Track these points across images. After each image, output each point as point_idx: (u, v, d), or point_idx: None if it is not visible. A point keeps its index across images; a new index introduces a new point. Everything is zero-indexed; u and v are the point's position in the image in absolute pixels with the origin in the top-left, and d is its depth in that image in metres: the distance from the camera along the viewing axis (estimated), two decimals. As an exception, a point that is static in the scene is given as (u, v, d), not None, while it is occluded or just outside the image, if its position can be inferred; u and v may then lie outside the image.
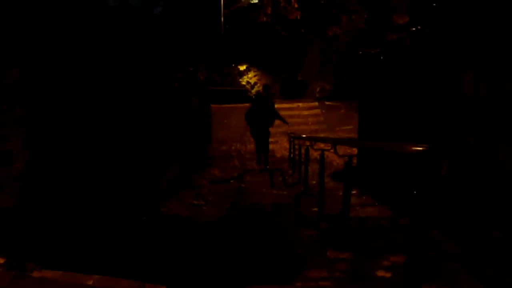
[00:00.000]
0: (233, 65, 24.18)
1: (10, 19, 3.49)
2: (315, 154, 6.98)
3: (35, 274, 2.98)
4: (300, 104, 19.39)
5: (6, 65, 3.44)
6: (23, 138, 3.49)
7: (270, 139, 11.03)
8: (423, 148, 2.20)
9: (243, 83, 23.98)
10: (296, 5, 19.96)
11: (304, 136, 8.60)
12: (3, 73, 3.41)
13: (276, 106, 10.76)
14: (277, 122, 10.77)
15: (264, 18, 20.97)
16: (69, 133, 4.10)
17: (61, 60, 4.05)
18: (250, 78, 24.12)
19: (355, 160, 7.44)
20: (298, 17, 20.26)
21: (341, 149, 5.20)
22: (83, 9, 4.52)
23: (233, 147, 13.52)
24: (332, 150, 5.05)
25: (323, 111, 18.63)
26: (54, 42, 3.93)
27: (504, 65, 3.97)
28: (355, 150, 8.15)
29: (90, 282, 2.94)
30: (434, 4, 5.99)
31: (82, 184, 4.30)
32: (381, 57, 7.13)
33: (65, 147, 4.04)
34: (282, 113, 9.54)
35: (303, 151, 7.65)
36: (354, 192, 6.23)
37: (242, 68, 24.30)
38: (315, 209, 5.60)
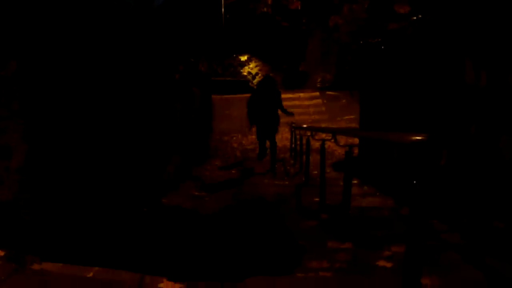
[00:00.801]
0: (234, 55, 24.16)
1: (7, 11, 3.46)
2: (316, 144, 6.96)
3: (35, 266, 2.98)
4: (302, 94, 19.33)
5: (3, 57, 3.42)
6: (22, 131, 3.48)
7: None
8: (422, 137, 2.18)
9: (244, 73, 23.97)
10: (296, -5, 19.89)
11: (305, 126, 8.58)
12: (0, 66, 3.39)
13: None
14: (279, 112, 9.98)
15: (265, 9, 20.91)
16: (68, 125, 4.09)
17: (60, 52, 4.02)
18: (251, 68, 24.11)
19: (356, 150, 7.44)
20: (299, 7, 20.19)
21: (342, 139, 5.20)
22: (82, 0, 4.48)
23: (234, 138, 13.51)
24: (333, 140, 5.04)
25: (325, 101, 18.58)
26: (52, 33, 3.91)
27: (504, 57, 3.94)
28: (356, 140, 8.15)
29: (90, 274, 2.95)
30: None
31: (82, 177, 4.29)
32: (382, 47, 7.09)
33: (64, 140, 4.02)
34: (283, 103, 9.34)
35: (304, 141, 7.63)
36: (355, 182, 6.22)
37: (243, 58, 24.29)
38: (316, 199, 5.60)
